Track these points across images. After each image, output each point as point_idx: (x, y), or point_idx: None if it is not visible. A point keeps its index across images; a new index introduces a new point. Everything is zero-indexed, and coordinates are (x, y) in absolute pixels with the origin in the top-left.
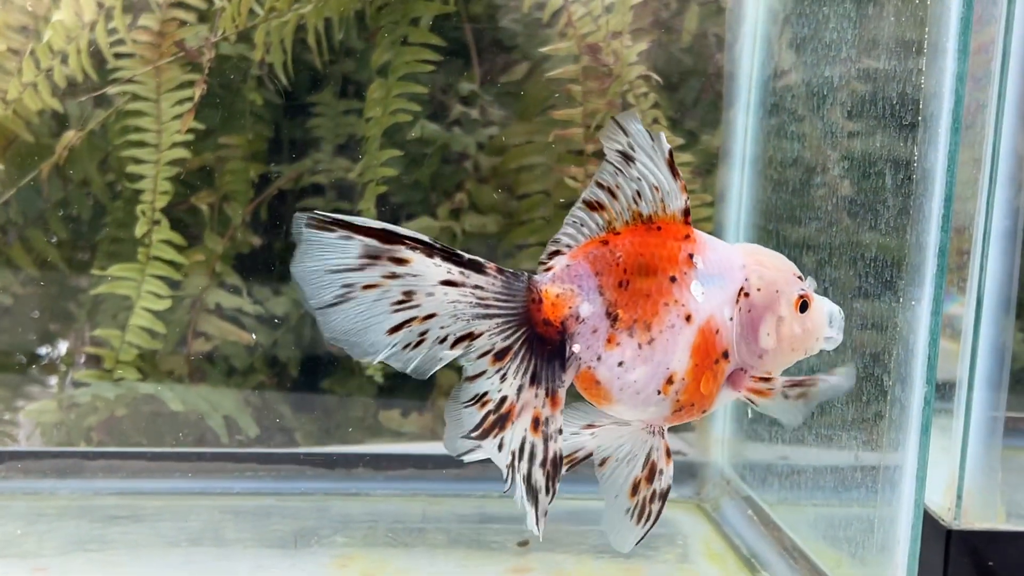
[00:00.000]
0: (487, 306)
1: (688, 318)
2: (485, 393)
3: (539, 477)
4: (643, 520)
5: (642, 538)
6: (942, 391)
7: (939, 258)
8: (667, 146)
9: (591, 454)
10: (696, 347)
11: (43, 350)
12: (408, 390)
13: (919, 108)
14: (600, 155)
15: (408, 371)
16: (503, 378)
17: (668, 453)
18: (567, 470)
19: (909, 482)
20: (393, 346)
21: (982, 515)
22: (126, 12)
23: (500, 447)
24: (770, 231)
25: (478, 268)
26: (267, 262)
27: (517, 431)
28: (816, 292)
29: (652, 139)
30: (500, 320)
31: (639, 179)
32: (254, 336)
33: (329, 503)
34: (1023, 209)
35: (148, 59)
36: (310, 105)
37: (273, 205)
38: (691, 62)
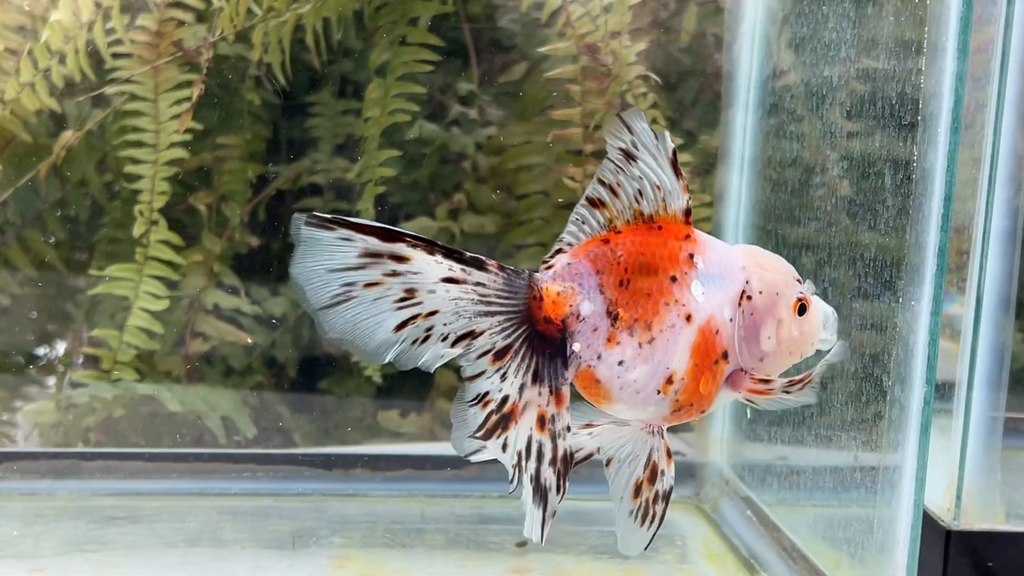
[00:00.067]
0: (489, 303)
1: (688, 318)
2: (486, 393)
3: (549, 475)
4: (647, 522)
5: (649, 542)
6: (941, 391)
7: (938, 258)
8: (671, 145)
9: (591, 455)
10: (696, 347)
11: (41, 351)
12: (406, 391)
13: (918, 108)
14: (599, 155)
15: (418, 365)
16: (503, 377)
17: (669, 453)
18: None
19: (908, 482)
20: (401, 342)
21: (981, 515)
22: (124, 12)
23: (504, 447)
24: (769, 231)
25: (479, 265)
26: (265, 262)
27: (522, 430)
28: (814, 294)
29: (656, 138)
30: (501, 318)
31: (641, 178)
32: (250, 339)
33: (327, 504)
34: (1022, 209)
35: (146, 59)
36: (308, 105)
37: (271, 205)
38: (690, 62)
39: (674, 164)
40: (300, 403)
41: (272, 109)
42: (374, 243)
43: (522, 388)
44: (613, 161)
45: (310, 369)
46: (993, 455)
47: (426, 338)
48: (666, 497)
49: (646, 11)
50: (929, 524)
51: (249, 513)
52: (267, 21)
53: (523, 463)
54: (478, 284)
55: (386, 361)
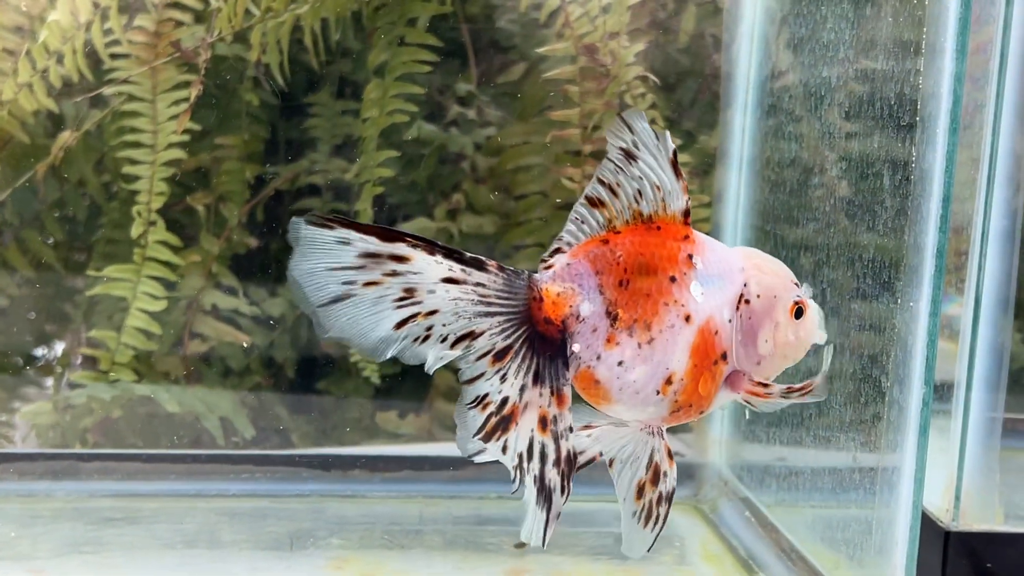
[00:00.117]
0: (489, 304)
1: (688, 318)
2: (486, 395)
3: (553, 476)
4: (651, 523)
5: (652, 544)
6: (940, 392)
7: (937, 259)
8: (671, 145)
9: (594, 459)
10: (695, 348)
11: (39, 351)
12: (405, 391)
13: (917, 108)
14: (597, 156)
15: (417, 363)
16: (503, 379)
17: (670, 454)
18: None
19: (907, 483)
20: (401, 340)
21: (980, 516)
22: (122, 12)
23: (505, 449)
24: (768, 232)
25: (480, 266)
26: (263, 263)
27: (523, 432)
28: (811, 298)
29: (657, 138)
30: (501, 318)
31: (641, 178)
32: (248, 340)
33: (325, 505)
34: (1021, 209)
35: (144, 60)
36: (306, 106)
37: (269, 206)
38: (688, 63)
39: (674, 165)
40: (298, 404)
41: (270, 110)
42: (374, 243)
43: (522, 389)
44: (613, 161)
45: (308, 370)
46: (992, 456)
47: (426, 337)
48: (669, 498)
49: (644, 12)
50: (928, 525)
51: (247, 514)
52: (265, 22)
53: (525, 464)
54: (478, 284)
55: (388, 357)
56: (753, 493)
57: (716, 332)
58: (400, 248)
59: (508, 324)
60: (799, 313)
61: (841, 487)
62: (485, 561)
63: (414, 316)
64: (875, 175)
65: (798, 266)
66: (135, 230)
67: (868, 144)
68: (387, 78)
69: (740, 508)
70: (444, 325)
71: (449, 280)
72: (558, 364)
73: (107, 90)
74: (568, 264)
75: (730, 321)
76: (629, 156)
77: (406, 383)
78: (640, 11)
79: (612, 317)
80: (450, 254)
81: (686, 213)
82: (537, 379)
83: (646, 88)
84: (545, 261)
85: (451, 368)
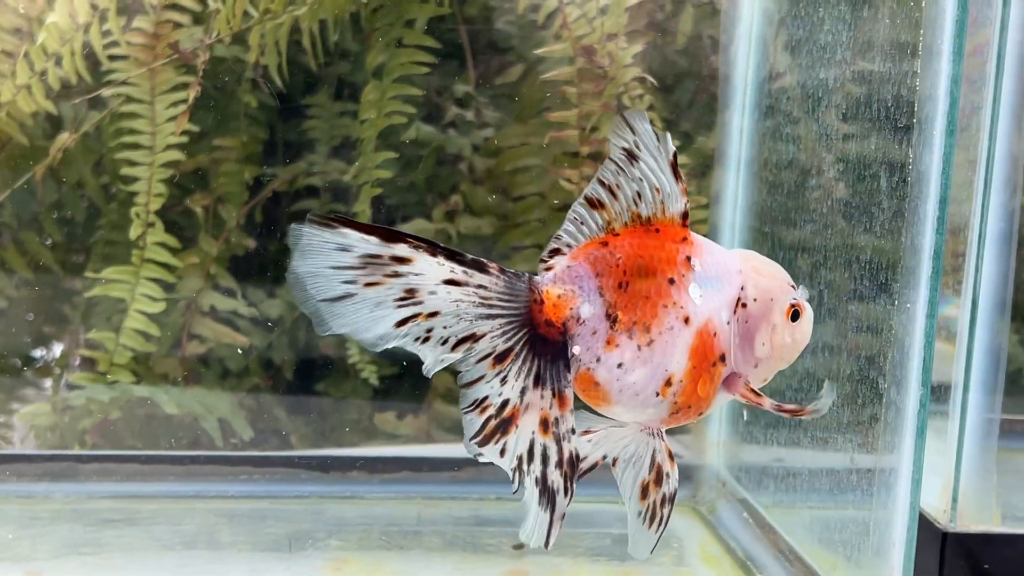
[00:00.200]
0: (490, 306)
1: (686, 320)
2: (485, 398)
3: (556, 478)
4: (655, 524)
5: (656, 544)
6: (937, 393)
7: (934, 260)
8: (672, 147)
9: (597, 464)
10: (694, 349)
11: (37, 353)
12: (403, 393)
13: (914, 110)
14: (595, 157)
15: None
16: (503, 381)
17: (671, 455)
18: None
19: (905, 485)
20: (402, 337)
21: (978, 517)
22: (120, 14)
23: (503, 452)
24: (765, 233)
25: (481, 268)
26: (262, 264)
27: (523, 434)
28: (808, 299)
29: (658, 139)
30: (503, 320)
31: (641, 180)
32: (246, 341)
33: (324, 506)
34: (1018, 211)
35: (142, 61)
36: (305, 107)
37: (268, 207)
38: (686, 64)
39: (674, 167)
40: (297, 405)
41: (268, 111)
42: (375, 243)
43: (523, 391)
44: (615, 161)
45: (307, 371)
46: (989, 457)
47: (426, 339)
48: (672, 499)
49: (642, 13)
50: (925, 526)
51: (246, 515)
52: (263, 23)
53: (525, 467)
54: (480, 287)
55: (389, 347)
56: (751, 494)
57: (715, 334)
58: (402, 249)
59: (509, 326)
60: (795, 316)
61: (839, 488)
62: (484, 562)
63: (415, 316)
64: (872, 177)
65: (795, 268)
66: (133, 231)
67: (865, 146)
68: (385, 80)
69: (738, 509)
70: (445, 327)
71: (451, 282)
72: (559, 366)
73: (105, 92)
74: (568, 266)
75: (728, 323)
76: (631, 157)
77: (404, 384)
78: (638, 13)
79: (612, 319)
80: (452, 256)
81: (685, 215)
82: (538, 381)
83: (644, 89)
84: (545, 261)
85: (449, 370)
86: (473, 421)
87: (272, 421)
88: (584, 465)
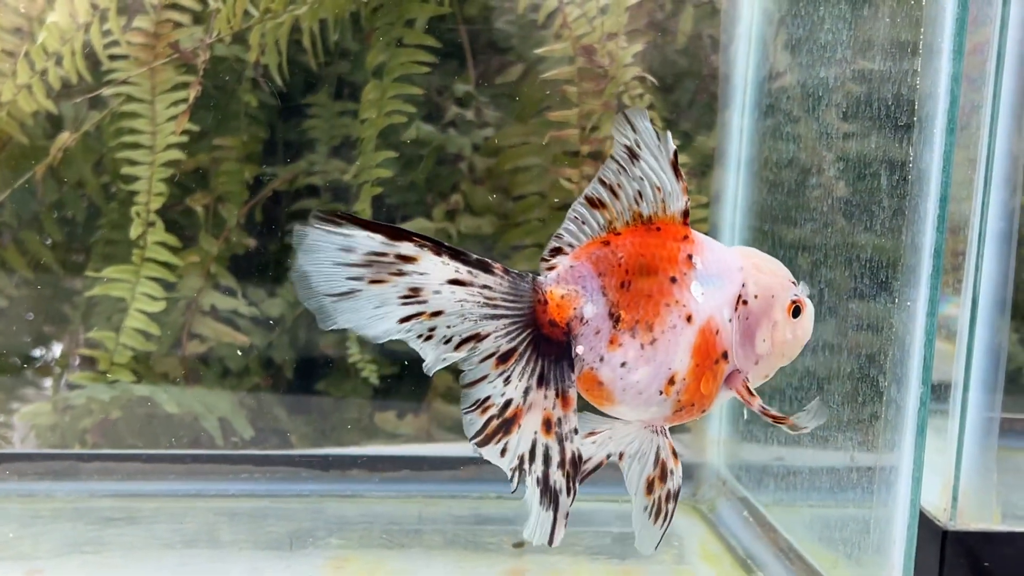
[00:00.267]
0: (495, 306)
1: (689, 318)
2: (487, 398)
3: (558, 478)
4: (660, 519)
5: (660, 540)
6: (938, 392)
7: (934, 259)
8: (672, 146)
9: (601, 464)
10: (697, 347)
11: (38, 352)
12: (403, 392)
13: (914, 109)
14: (595, 156)
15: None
16: (507, 381)
17: (674, 452)
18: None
19: (905, 483)
20: (406, 333)
21: (978, 516)
22: (121, 14)
23: (503, 452)
24: (766, 232)
25: (486, 268)
26: (262, 264)
27: (525, 434)
28: (809, 295)
29: (658, 138)
30: (507, 321)
31: (642, 179)
32: (247, 340)
33: (324, 505)
34: (1018, 210)
35: (143, 61)
36: (305, 107)
37: (268, 207)
38: (686, 63)
39: (675, 166)
40: (297, 404)
41: (269, 110)
42: (380, 241)
43: (527, 392)
44: (617, 160)
45: (307, 370)
46: (989, 456)
47: (429, 336)
48: (676, 495)
49: (642, 12)
50: (925, 524)
51: (246, 514)
52: (264, 23)
53: (527, 467)
54: (484, 287)
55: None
56: (751, 493)
57: (717, 331)
58: (407, 247)
59: (513, 327)
60: (796, 312)
61: (839, 486)
62: (484, 561)
63: (419, 314)
64: (872, 175)
65: (796, 266)
66: (134, 231)
67: (865, 144)
68: (385, 79)
69: (738, 508)
70: (449, 327)
71: (455, 282)
72: (563, 366)
73: (106, 91)
74: (571, 266)
75: (730, 320)
76: (632, 155)
77: (405, 384)
78: (638, 12)
79: (615, 318)
80: (456, 255)
81: (685, 214)
82: (542, 381)
83: (644, 89)
84: (546, 260)
85: (450, 369)
86: (474, 421)
87: (272, 420)
88: (588, 466)
